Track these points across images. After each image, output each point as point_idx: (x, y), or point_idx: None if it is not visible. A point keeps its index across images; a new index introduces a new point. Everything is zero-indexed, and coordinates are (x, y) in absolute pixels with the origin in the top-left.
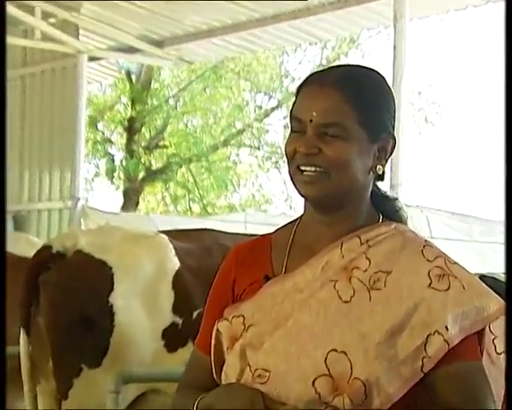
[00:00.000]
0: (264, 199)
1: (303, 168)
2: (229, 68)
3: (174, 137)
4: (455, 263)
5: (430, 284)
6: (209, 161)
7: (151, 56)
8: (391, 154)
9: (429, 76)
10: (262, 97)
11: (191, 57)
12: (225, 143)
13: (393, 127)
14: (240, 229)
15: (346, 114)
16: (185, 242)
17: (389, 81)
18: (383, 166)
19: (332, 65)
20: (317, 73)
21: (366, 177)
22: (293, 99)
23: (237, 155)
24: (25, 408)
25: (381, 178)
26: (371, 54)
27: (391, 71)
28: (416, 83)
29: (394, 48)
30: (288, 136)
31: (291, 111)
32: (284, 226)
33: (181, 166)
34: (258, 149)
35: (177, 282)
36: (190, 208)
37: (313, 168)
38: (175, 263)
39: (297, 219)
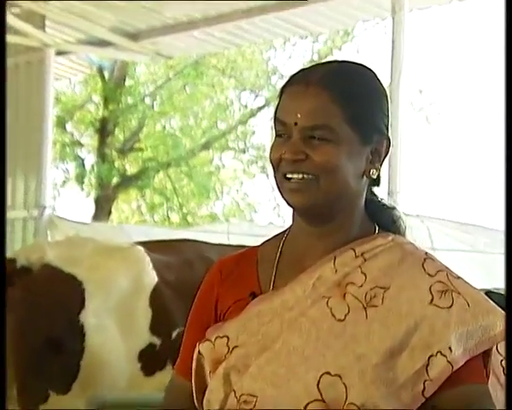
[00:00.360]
0: (249, 207)
1: (289, 176)
2: (211, 64)
3: (150, 139)
4: (458, 278)
5: (432, 300)
6: (189, 166)
7: (125, 51)
8: (385, 156)
9: (431, 72)
10: (247, 96)
11: (169, 52)
12: (207, 146)
13: (387, 127)
14: (223, 240)
15: (334, 115)
16: (164, 254)
17: (387, 78)
18: (378, 169)
19: (321, 61)
20: (301, 71)
21: (359, 182)
22: (277, 100)
23: (220, 159)
24: None
25: (376, 183)
26: (367, 48)
27: (388, 67)
28: (416, 80)
29: (392, 42)
30: (272, 141)
31: (275, 114)
32: (272, 238)
33: (158, 172)
34: (244, 152)
35: (155, 298)
36: (169, 218)
37: (300, 175)
38: (152, 277)
39: (285, 231)
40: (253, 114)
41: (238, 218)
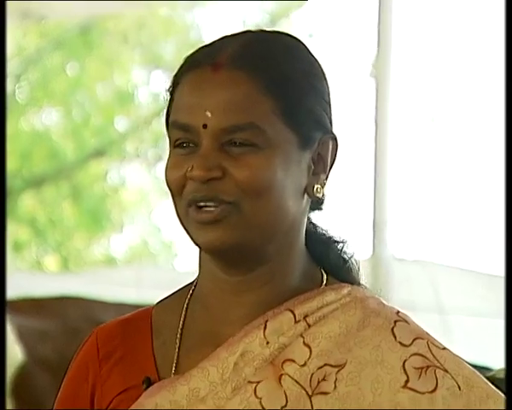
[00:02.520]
0: (165, 247)
1: (200, 204)
2: (106, 30)
3: (14, 143)
4: (444, 348)
5: (407, 382)
6: (72, 184)
7: None
8: (332, 164)
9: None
10: (161, 78)
11: (42, 12)
12: (100, 154)
13: (331, 122)
14: (126, 295)
15: (261, 109)
16: (35, 318)
17: (372, 54)
18: (323, 184)
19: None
20: (202, 48)
21: (299, 204)
22: (168, 96)
23: (120, 172)
24: None
25: (318, 205)
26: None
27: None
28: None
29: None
30: (168, 157)
31: (167, 116)
32: (171, 296)
33: (25, 193)
34: (157, 162)
35: (20, 386)
36: (39, 262)
37: (216, 202)
38: (16, 354)
39: (190, 285)
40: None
41: (147, 262)
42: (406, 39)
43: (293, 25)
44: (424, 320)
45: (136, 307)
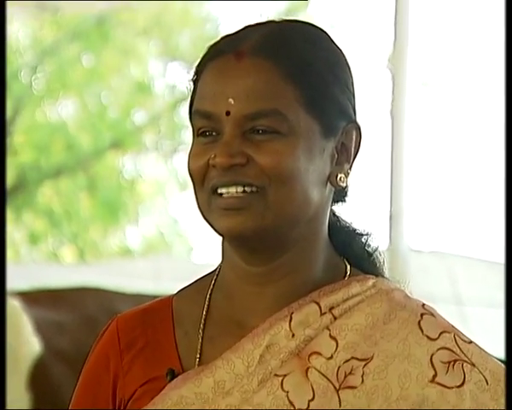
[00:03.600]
0: (181, 238)
1: (222, 190)
2: (122, 22)
3: (30, 135)
4: (470, 342)
5: (434, 376)
6: (89, 175)
7: None
8: (356, 153)
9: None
10: (178, 70)
11: (59, 4)
12: (116, 146)
13: (355, 111)
14: (143, 286)
15: (284, 96)
16: (53, 309)
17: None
18: (347, 174)
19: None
20: (225, 37)
21: (322, 194)
22: (191, 86)
23: (136, 164)
24: None
25: (341, 196)
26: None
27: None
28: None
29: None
30: (190, 146)
31: (190, 105)
32: (192, 285)
33: (42, 185)
34: (173, 153)
35: (38, 377)
36: (56, 253)
37: (240, 188)
38: (33, 346)
39: (212, 274)
40: (185, 96)
41: (163, 254)
42: (423, 32)
43: (310, 17)
44: (441, 312)
45: (155, 298)
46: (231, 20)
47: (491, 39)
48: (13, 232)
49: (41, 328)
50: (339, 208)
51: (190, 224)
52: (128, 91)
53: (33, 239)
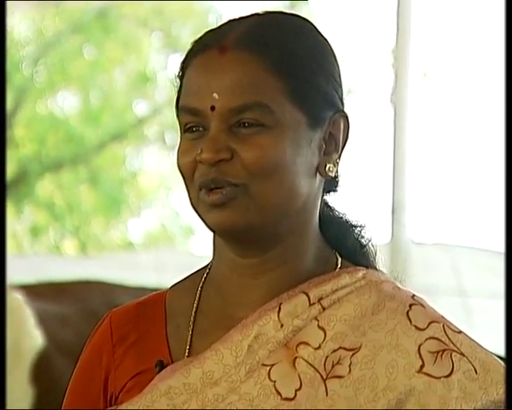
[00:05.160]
0: (183, 230)
1: (211, 187)
2: (124, 14)
3: (31, 127)
4: (460, 332)
5: (422, 366)
6: (91, 168)
7: None
8: (345, 143)
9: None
10: (180, 61)
11: None
12: (118, 138)
13: (342, 101)
14: (146, 278)
15: (269, 88)
16: (55, 302)
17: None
18: (336, 164)
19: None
20: (209, 32)
21: (311, 185)
22: (177, 82)
23: (138, 156)
24: None
25: (332, 186)
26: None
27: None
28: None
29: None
30: (179, 143)
31: (177, 101)
32: (185, 280)
33: (43, 177)
34: (174, 147)
35: (41, 371)
36: (57, 246)
37: (223, 185)
38: (36, 339)
39: (204, 269)
40: None
41: (166, 246)
42: (425, 24)
43: (312, 10)
44: (445, 304)
45: (157, 290)
46: (233, 12)
47: (492, 32)
48: (14, 225)
49: (44, 321)
50: (339, 201)
51: (192, 216)
52: (130, 84)
53: (35, 232)
